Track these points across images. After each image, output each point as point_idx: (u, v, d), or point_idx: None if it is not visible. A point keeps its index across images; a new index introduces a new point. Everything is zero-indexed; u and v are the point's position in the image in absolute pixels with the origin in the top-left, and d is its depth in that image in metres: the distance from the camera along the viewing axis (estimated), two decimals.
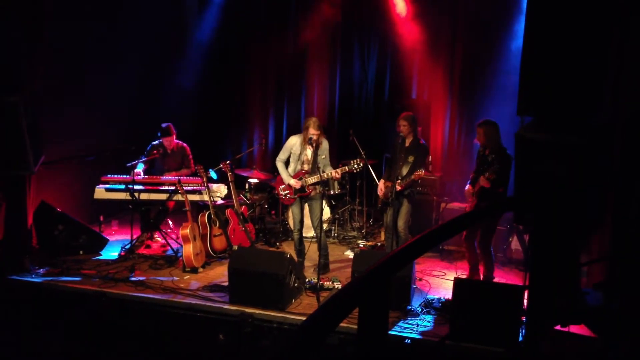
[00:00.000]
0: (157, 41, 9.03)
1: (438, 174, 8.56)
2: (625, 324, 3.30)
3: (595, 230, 4.22)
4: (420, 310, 5.71)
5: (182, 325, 5.72)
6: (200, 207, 7.56)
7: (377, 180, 7.17)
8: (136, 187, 7.17)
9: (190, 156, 7.82)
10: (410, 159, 6.49)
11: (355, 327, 2.31)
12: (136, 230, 7.22)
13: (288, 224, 8.07)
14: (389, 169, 6.78)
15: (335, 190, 8.35)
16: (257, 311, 5.54)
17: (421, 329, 5.34)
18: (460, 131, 9.17)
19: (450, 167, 8.92)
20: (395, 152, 6.63)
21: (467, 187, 6.40)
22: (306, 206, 6.82)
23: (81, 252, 7.14)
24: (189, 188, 7.15)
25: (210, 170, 7.54)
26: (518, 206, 3.26)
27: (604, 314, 3.41)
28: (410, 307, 5.69)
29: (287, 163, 6.76)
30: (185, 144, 7.82)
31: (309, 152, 6.64)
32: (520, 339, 4.84)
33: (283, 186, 6.75)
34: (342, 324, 2.12)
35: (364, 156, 7.37)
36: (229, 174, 7.39)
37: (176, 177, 7.30)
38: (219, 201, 7.47)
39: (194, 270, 6.66)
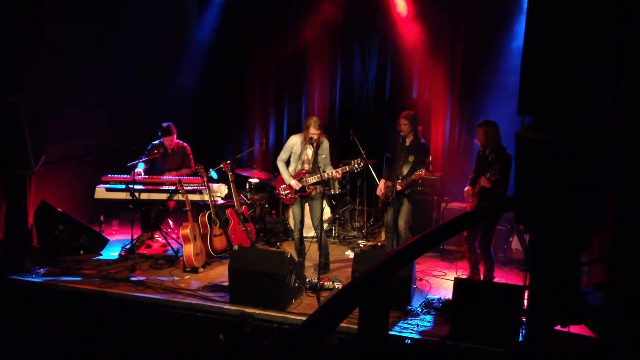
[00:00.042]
0: (157, 41, 9.03)
1: (438, 173, 8.56)
2: (626, 325, 3.30)
3: (595, 230, 4.22)
4: (420, 310, 5.71)
5: (183, 325, 5.72)
6: (200, 206, 7.57)
7: (377, 180, 7.16)
8: (137, 186, 7.17)
9: (191, 156, 7.82)
10: (411, 158, 6.49)
11: (356, 327, 2.30)
12: (136, 230, 7.22)
13: (288, 223, 8.07)
14: (390, 168, 6.78)
15: (336, 190, 8.35)
16: (258, 311, 5.54)
17: (421, 329, 5.34)
18: (460, 131, 9.17)
19: (451, 167, 8.92)
20: (395, 151, 6.62)
21: (467, 188, 6.40)
22: (306, 206, 6.82)
23: (81, 252, 7.15)
24: (189, 188, 7.15)
25: (211, 170, 7.54)
26: (518, 206, 3.26)
27: (604, 314, 3.41)
28: (410, 307, 5.69)
29: (287, 163, 6.76)
30: (185, 144, 7.82)
31: (309, 151, 6.64)
32: (521, 339, 4.84)
33: (284, 186, 6.75)
34: (342, 324, 2.12)
35: (364, 156, 7.37)
36: (230, 173, 7.39)
37: (177, 177, 7.30)
38: (220, 201, 7.47)
39: (195, 270, 6.66)
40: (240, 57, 10.20)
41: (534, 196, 2.95)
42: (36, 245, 6.95)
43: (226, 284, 6.05)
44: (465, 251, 6.59)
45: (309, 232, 7.52)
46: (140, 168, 7.39)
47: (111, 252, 7.24)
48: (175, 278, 6.46)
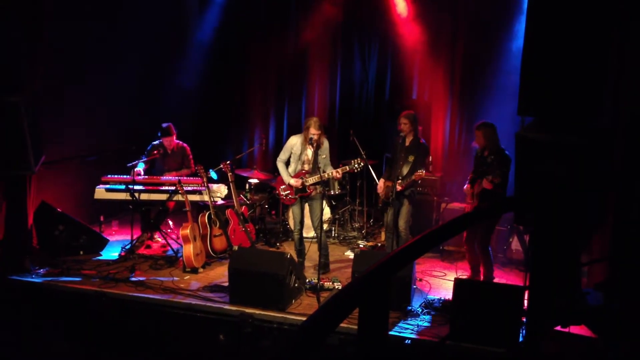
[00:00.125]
0: (157, 41, 9.03)
1: (438, 174, 8.56)
2: (626, 325, 3.30)
3: (595, 230, 4.22)
4: (420, 310, 5.70)
5: (182, 326, 5.72)
6: (200, 207, 7.56)
7: (377, 181, 7.16)
8: (136, 187, 7.17)
9: (191, 156, 7.82)
10: (411, 158, 6.49)
11: (356, 327, 2.30)
12: (136, 230, 7.22)
13: (288, 224, 8.07)
14: (390, 168, 6.78)
15: (336, 190, 8.35)
16: (258, 311, 5.54)
17: (421, 329, 5.34)
18: (460, 131, 9.17)
19: (451, 167, 8.92)
20: (395, 151, 6.62)
21: (466, 186, 6.40)
22: (306, 206, 6.82)
23: (81, 252, 7.14)
24: (189, 188, 7.15)
25: (211, 170, 7.54)
26: (518, 206, 3.26)
27: (604, 314, 3.41)
28: (410, 308, 5.69)
29: (287, 163, 6.76)
30: (185, 144, 7.81)
31: (309, 152, 6.64)
32: (521, 339, 4.84)
33: (284, 186, 6.75)
34: (342, 325, 2.12)
35: (364, 156, 7.37)
36: (229, 174, 7.39)
37: (176, 177, 7.30)
38: (219, 201, 7.47)
39: (194, 271, 6.65)
40: (241, 57, 10.20)
41: (534, 196, 2.95)
42: (36, 246, 6.95)
43: (226, 284, 6.05)
44: (466, 252, 6.59)
45: (309, 232, 7.52)
46: (140, 168, 7.39)
47: (111, 253, 7.23)
48: (175, 278, 6.46)
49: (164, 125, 7.59)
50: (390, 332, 5.19)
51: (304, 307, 5.72)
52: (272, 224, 8.67)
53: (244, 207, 7.63)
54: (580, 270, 4.63)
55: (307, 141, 6.53)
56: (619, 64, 3.33)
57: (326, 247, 6.80)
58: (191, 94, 10.03)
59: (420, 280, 6.64)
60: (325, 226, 7.70)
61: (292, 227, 7.19)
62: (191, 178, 7.40)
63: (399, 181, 6.43)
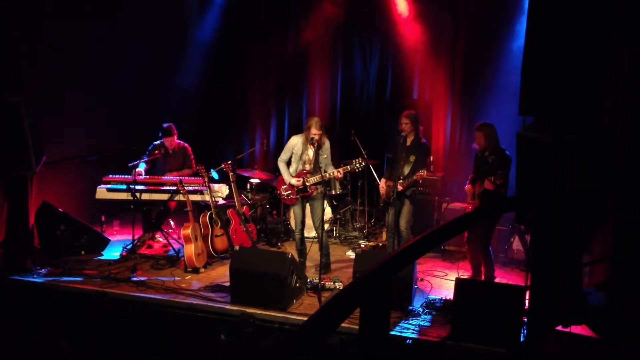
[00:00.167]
0: (157, 41, 9.04)
1: (440, 174, 8.56)
2: (627, 325, 3.29)
3: (596, 230, 4.22)
4: (421, 310, 5.70)
5: (184, 326, 5.72)
6: (201, 207, 7.57)
7: (378, 180, 7.17)
8: (138, 187, 7.18)
9: (192, 156, 7.82)
10: (412, 158, 6.49)
11: (357, 327, 2.30)
12: (138, 230, 7.23)
13: (289, 224, 8.07)
14: (391, 168, 6.78)
15: (337, 190, 8.35)
16: (259, 311, 5.54)
17: (422, 329, 5.34)
18: (461, 131, 9.17)
19: (452, 167, 8.92)
20: (396, 151, 6.62)
21: (467, 185, 6.40)
22: (307, 206, 6.82)
23: (83, 252, 7.15)
24: (190, 188, 7.16)
25: (212, 170, 7.55)
26: (519, 206, 3.26)
27: (605, 314, 3.41)
28: (411, 308, 5.69)
29: (288, 163, 6.76)
30: (186, 144, 7.82)
31: (310, 152, 6.64)
32: (522, 339, 4.84)
33: (285, 186, 6.75)
34: (343, 324, 2.12)
35: (365, 156, 7.37)
36: (231, 174, 7.39)
37: (178, 177, 7.30)
38: (221, 201, 7.47)
39: (196, 271, 6.66)
40: (241, 57, 10.21)
41: (535, 196, 2.95)
42: (37, 246, 6.95)
43: (227, 284, 6.05)
44: (467, 252, 6.59)
45: (310, 232, 7.52)
46: (141, 168, 7.40)
47: (112, 253, 7.24)
48: (177, 278, 6.46)
49: (165, 125, 7.59)
50: (392, 332, 5.19)
51: (305, 307, 5.72)
52: (274, 224, 8.68)
53: (245, 207, 7.63)
54: (582, 270, 4.62)
55: (308, 141, 6.53)
56: (620, 64, 3.32)
57: (327, 247, 6.80)
58: (192, 94, 10.04)
59: (422, 280, 6.64)
60: (326, 226, 7.70)
61: (294, 227, 7.19)
62: (192, 178, 7.41)
63: (400, 181, 6.43)
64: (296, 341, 1.93)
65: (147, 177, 7.43)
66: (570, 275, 3.09)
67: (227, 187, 7.50)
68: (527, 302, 4.87)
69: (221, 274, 6.66)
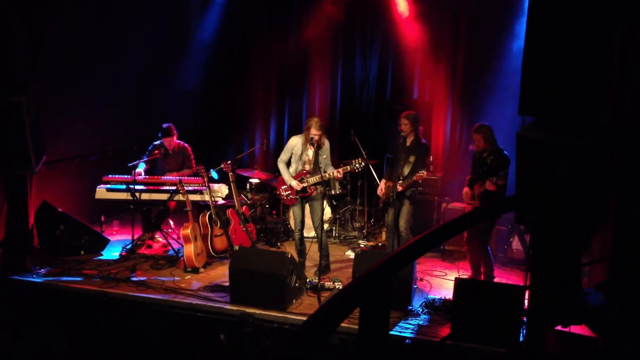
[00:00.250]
0: (158, 41, 9.05)
1: (439, 173, 8.57)
2: (626, 325, 3.30)
3: (596, 231, 4.22)
4: (421, 310, 5.71)
5: (183, 325, 5.73)
6: (201, 207, 7.57)
7: (378, 180, 7.17)
8: (137, 187, 7.18)
9: (192, 156, 7.82)
10: (412, 158, 6.49)
11: (357, 327, 2.30)
12: (137, 230, 7.23)
13: (289, 224, 8.07)
14: (390, 168, 6.78)
15: (337, 190, 8.35)
16: (258, 311, 5.54)
17: (422, 329, 5.34)
18: (461, 131, 9.17)
19: (452, 167, 8.92)
20: (396, 151, 6.62)
21: (465, 189, 6.40)
22: (307, 206, 6.82)
23: (82, 252, 7.15)
24: (190, 188, 7.16)
25: (212, 170, 7.55)
26: (519, 206, 3.26)
27: (605, 314, 3.41)
28: (411, 307, 5.69)
29: (288, 164, 6.76)
30: (186, 144, 7.82)
31: (310, 152, 6.64)
32: (521, 339, 4.84)
33: (285, 187, 6.75)
34: (343, 324, 2.12)
35: (365, 156, 7.37)
36: (230, 174, 7.39)
37: (177, 177, 7.30)
38: (220, 201, 7.47)
39: (195, 270, 6.66)
40: (242, 57, 10.20)
41: (534, 196, 2.95)
42: (37, 246, 6.95)
43: (227, 284, 6.05)
44: (466, 252, 6.59)
45: (310, 232, 7.52)
46: (141, 168, 7.40)
47: (112, 253, 7.24)
48: (176, 278, 6.46)
49: (165, 125, 7.59)
50: (391, 332, 5.19)
51: (304, 307, 5.72)
52: (273, 224, 8.68)
53: (244, 206, 7.63)
54: (581, 270, 4.63)
55: (308, 141, 6.54)
56: (621, 64, 3.32)
57: (326, 248, 6.80)
58: (192, 94, 10.04)
59: (421, 280, 6.64)
60: (326, 226, 7.70)
61: (293, 227, 7.19)
62: (192, 178, 7.41)
63: (400, 181, 6.43)
64: (296, 341, 1.93)
65: (147, 177, 7.43)
66: (569, 275, 3.09)
67: (227, 187, 7.50)
68: (526, 302, 4.87)
69: (221, 274, 6.66)
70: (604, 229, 4.12)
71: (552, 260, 2.98)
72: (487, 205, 5.98)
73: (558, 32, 2.93)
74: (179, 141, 7.74)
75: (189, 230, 6.64)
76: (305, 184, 6.60)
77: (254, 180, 8.51)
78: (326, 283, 6.18)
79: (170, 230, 7.94)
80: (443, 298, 5.99)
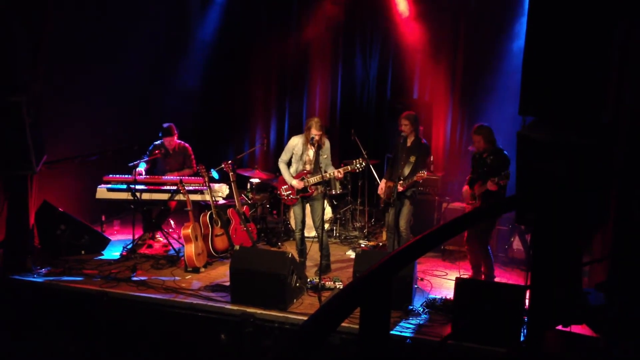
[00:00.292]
0: (158, 41, 9.05)
1: (440, 173, 8.57)
2: (627, 324, 3.29)
3: (597, 230, 4.22)
4: (421, 310, 5.71)
5: (184, 325, 5.73)
6: (202, 206, 7.58)
7: (378, 180, 7.17)
8: (138, 187, 7.18)
9: (192, 156, 7.83)
10: (412, 158, 6.49)
11: (357, 327, 2.30)
12: (138, 230, 7.23)
13: (290, 223, 8.07)
14: (391, 168, 6.78)
15: (337, 190, 8.35)
16: (259, 311, 5.54)
17: (423, 329, 5.34)
18: (462, 131, 9.18)
19: (452, 167, 8.92)
20: (396, 151, 6.63)
21: (465, 187, 6.40)
22: (308, 206, 6.82)
23: (83, 252, 7.15)
24: (190, 188, 7.16)
25: (212, 170, 7.55)
26: (519, 206, 3.25)
27: (605, 313, 3.41)
28: (411, 307, 5.69)
29: (289, 164, 6.76)
30: (186, 144, 7.82)
31: (310, 152, 6.64)
32: (522, 338, 4.84)
33: (285, 187, 6.75)
34: (343, 324, 2.12)
35: (365, 156, 7.37)
36: (231, 173, 7.39)
37: (178, 177, 7.31)
38: (221, 201, 7.48)
39: (196, 270, 6.66)
40: (242, 57, 10.20)
41: (535, 196, 2.95)
42: (38, 245, 6.96)
43: (227, 284, 6.05)
44: (467, 252, 6.59)
45: (310, 232, 7.52)
46: (142, 168, 7.40)
47: (113, 252, 7.25)
48: (177, 278, 6.46)
49: (165, 125, 7.60)
50: (392, 332, 5.19)
51: (305, 307, 5.72)
52: (274, 224, 8.68)
53: (245, 206, 7.63)
54: (582, 269, 4.62)
55: (309, 141, 6.54)
56: (622, 63, 3.32)
57: (327, 248, 6.79)
58: (192, 94, 10.05)
59: (422, 279, 6.64)
60: (326, 226, 7.70)
61: (294, 227, 7.19)
62: (193, 178, 7.41)
63: (401, 182, 6.43)
64: (296, 341, 1.93)
65: (148, 176, 7.44)
66: (570, 275, 3.09)
67: (227, 186, 7.50)
68: (527, 301, 4.87)
69: (221, 273, 6.66)
70: (605, 228, 4.11)
71: (552, 259, 2.98)
72: (487, 205, 5.98)
73: (558, 31, 2.93)
74: (179, 141, 7.74)
75: (189, 230, 6.65)
76: (306, 184, 6.60)
77: (255, 180, 8.51)
78: (327, 283, 6.17)
79: (171, 230, 7.94)
80: (444, 298, 5.99)
